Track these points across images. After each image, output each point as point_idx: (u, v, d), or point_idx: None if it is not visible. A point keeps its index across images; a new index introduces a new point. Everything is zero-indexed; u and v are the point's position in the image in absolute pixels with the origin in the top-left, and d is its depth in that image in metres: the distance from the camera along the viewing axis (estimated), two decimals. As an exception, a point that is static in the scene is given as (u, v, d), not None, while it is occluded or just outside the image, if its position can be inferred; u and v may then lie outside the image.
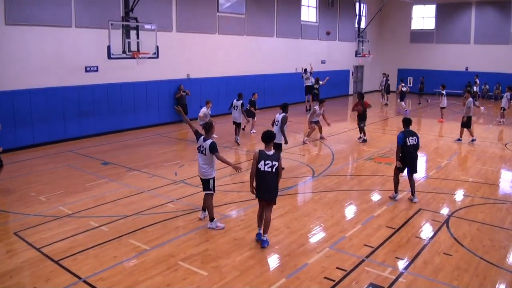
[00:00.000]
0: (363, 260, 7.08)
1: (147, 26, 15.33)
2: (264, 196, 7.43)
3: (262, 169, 7.22)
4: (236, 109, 16.19)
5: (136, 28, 14.97)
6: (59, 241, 7.82)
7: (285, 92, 26.03)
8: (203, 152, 8.15)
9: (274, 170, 7.23)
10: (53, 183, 11.38)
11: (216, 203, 9.30)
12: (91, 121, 16.91)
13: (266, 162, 7.20)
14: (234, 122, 16.34)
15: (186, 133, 18.23)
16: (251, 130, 17.84)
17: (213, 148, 8.07)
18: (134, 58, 14.80)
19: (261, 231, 7.65)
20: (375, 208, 9.50)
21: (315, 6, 29.42)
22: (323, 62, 30.06)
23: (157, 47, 15.22)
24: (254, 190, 7.47)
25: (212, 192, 8.36)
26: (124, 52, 14.67)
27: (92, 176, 11.95)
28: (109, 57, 14.23)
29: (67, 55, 16.01)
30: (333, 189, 10.80)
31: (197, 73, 21.14)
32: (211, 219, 8.37)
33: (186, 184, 11.02)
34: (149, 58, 15.21)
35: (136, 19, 14.90)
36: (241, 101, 16.24)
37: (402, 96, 24.85)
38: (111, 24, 14.13)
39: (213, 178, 8.34)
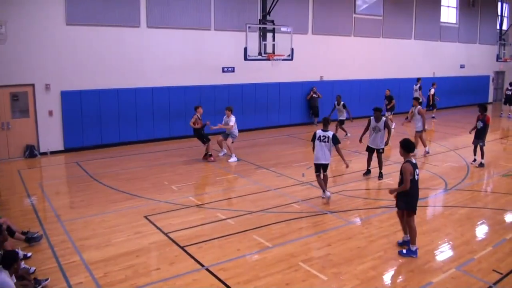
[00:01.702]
0: (490, 287, 6.35)
1: (283, 29, 15.57)
2: (416, 206, 7.29)
3: (416, 178, 7.08)
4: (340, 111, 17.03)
5: (272, 31, 15.30)
6: (186, 228, 8.30)
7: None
8: (326, 141, 9.53)
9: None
10: (185, 174, 12.17)
11: (342, 208, 9.34)
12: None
13: (417, 172, 7.12)
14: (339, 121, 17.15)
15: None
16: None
17: (336, 139, 9.60)
18: (269, 60, 15.14)
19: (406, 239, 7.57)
20: (508, 231, 8.41)
21: (455, 6, 27.41)
22: (462, 66, 27.84)
23: (292, 49, 15.40)
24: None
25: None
26: (259, 54, 15.10)
27: (222, 170, 12.52)
28: (245, 58, 14.75)
29: (205, 56, 17.08)
30: (466, 205, 9.87)
31: (330, 76, 20.98)
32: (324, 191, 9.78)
33: (313, 186, 10.93)
34: (284, 60, 15.45)
35: (272, 22, 15.24)
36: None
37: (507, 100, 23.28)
38: (249, 27, 14.63)
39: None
